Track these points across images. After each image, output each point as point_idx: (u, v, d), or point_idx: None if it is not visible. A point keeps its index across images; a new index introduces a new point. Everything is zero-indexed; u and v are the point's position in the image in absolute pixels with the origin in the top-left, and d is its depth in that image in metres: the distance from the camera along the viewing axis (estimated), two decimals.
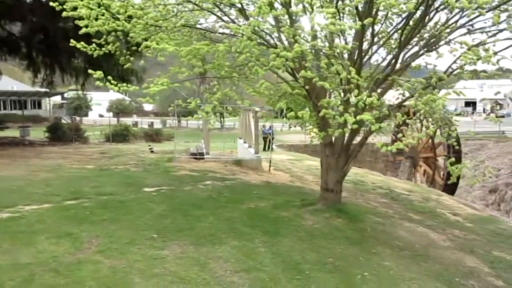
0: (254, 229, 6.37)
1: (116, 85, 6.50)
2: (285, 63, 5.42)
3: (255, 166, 12.84)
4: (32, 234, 5.62)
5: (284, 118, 7.49)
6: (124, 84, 6.60)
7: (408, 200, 10.87)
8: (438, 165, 19.40)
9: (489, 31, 6.20)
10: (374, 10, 6.59)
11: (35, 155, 13.92)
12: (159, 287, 4.43)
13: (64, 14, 6.71)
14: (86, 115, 56.80)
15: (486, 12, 5.65)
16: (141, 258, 5.06)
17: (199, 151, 14.50)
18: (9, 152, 14.51)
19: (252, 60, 5.94)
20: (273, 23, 6.93)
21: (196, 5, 7.05)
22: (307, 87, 6.68)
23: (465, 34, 6.49)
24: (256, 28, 5.74)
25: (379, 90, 6.82)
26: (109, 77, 6.45)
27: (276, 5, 6.83)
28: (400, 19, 7.03)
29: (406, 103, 7.05)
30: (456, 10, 6.17)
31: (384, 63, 7.38)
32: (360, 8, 6.27)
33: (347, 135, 7.45)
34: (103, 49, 7.38)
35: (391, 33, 7.25)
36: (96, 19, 6.78)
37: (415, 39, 7.06)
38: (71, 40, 7.11)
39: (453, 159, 7.08)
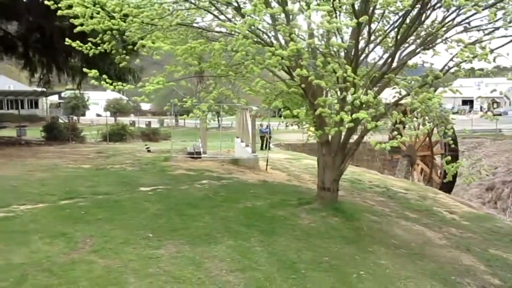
0: (250, 228, 6.34)
1: (111, 84, 6.48)
2: (280, 62, 5.39)
3: (252, 165, 12.82)
4: (26, 234, 5.58)
5: (281, 117, 7.48)
6: (120, 83, 6.56)
7: (405, 199, 10.87)
8: (435, 163, 19.42)
9: (486, 29, 6.20)
10: (371, 8, 6.58)
11: (31, 155, 13.87)
12: (153, 287, 4.40)
13: (59, 12, 6.66)
14: (84, 114, 56.62)
15: (483, 9, 5.64)
16: (136, 257, 5.03)
17: (196, 150, 14.45)
18: (5, 152, 14.44)
19: (248, 59, 5.92)
20: (270, 21, 6.91)
21: (192, 3, 7.03)
22: (303, 85, 6.66)
23: (461, 32, 6.49)
24: (252, 26, 5.72)
25: (375, 89, 6.82)
26: (104, 76, 6.43)
27: (273, 4, 6.83)
28: (397, 17, 7.03)
29: (403, 101, 7.03)
30: (453, 8, 6.17)
31: (381, 62, 7.37)
32: (356, 7, 6.26)
33: (343, 133, 7.43)
34: (99, 48, 7.33)
35: (387, 31, 7.24)
36: (91, 18, 6.75)
37: (412, 37, 7.05)
38: (67, 39, 7.07)
39: (449, 157, 7.07)
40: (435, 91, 6.14)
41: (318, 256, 5.60)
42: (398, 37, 6.66)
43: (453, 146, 10.71)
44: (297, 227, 6.63)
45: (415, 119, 9.25)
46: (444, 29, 6.52)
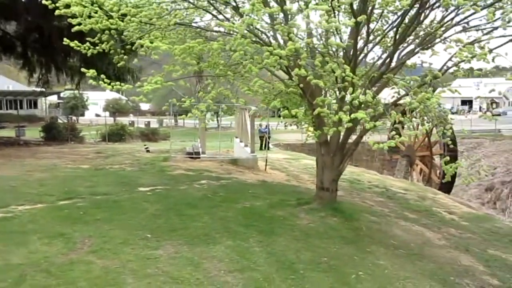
0: (249, 229, 6.33)
1: (109, 84, 6.46)
2: (279, 61, 5.38)
3: (251, 165, 12.81)
4: (24, 235, 5.57)
5: (281, 117, 7.46)
6: (117, 83, 6.54)
7: (404, 199, 10.86)
8: (434, 163, 19.42)
9: (484, 29, 6.20)
10: (370, 8, 6.57)
11: (30, 155, 13.84)
12: (151, 287, 4.39)
13: (57, 12, 6.65)
14: (83, 114, 56.53)
15: (481, 9, 5.64)
16: (134, 258, 5.01)
17: (195, 150, 14.45)
18: (4, 152, 14.41)
19: (247, 58, 5.91)
20: (268, 21, 6.90)
21: (191, 3, 7.01)
22: (301, 85, 6.65)
23: (460, 31, 6.48)
24: (250, 26, 5.71)
25: (374, 88, 6.80)
26: (102, 76, 6.41)
27: (272, 3, 6.81)
28: (395, 17, 7.02)
29: (401, 101, 7.03)
30: (452, 8, 6.17)
31: (380, 61, 7.36)
32: (355, 6, 6.25)
33: (342, 133, 7.43)
34: (97, 48, 7.32)
35: (386, 31, 7.23)
36: (89, 17, 6.73)
37: (411, 37, 7.04)
38: (65, 39, 7.05)
39: (447, 158, 7.06)
40: (434, 91, 6.13)
41: (317, 256, 5.59)
42: (397, 36, 6.65)
43: (452, 146, 10.69)
44: (296, 227, 6.62)
45: (414, 119, 9.25)
46: (442, 29, 6.52)
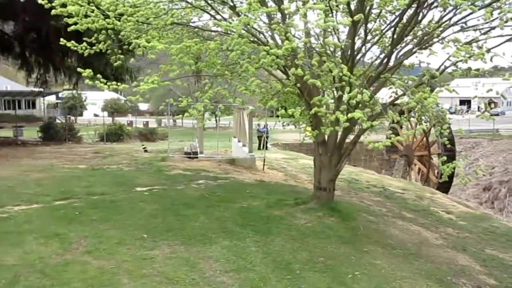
0: (246, 229, 6.31)
1: (105, 84, 6.43)
2: (276, 61, 5.36)
3: (249, 165, 12.80)
4: (20, 235, 5.54)
5: (279, 117, 7.44)
6: (114, 83, 6.50)
7: (401, 199, 10.86)
8: (432, 163, 19.43)
9: (482, 29, 6.19)
10: (368, 7, 6.56)
11: (27, 155, 13.80)
12: None
13: (53, 12, 6.61)
14: (81, 114, 56.49)
15: (479, 9, 5.63)
16: (130, 258, 4.99)
17: (193, 150, 14.42)
18: (1, 152, 14.36)
19: (244, 58, 5.89)
20: (266, 20, 6.88)
21: (188, 2, 6.99)
22: (298, 85, 6.63)
23: (458, 31, 6.47)
24: (247, 25, 5.69)
25: (372, 88, 6.80)
26: (99, 76, 6.38)
27: (270, 3, 6.79)
28: (393, 16, 7.00)
29: (399, 101, 7.02)
30: (449, 8, 6.16)
31: (377, 61, 7.35)
32: (352, 6, 6.22)
33: (340, 133, 7.41)
34: (94, 48, 7.29)
35: (384, 31, 7.22)
36: (86, 16, 6.70)
37: (409, 37, 7.03)
38: (61, 39, 7.02)
39: (444, 157, 7.05)
40: (432, 91, 6.12)
41: (314, 256, 5.57)
42: (395, 36, 6.63)
43: (449, 146, 10.70)
44: (293, 227, 6.60)
45: (412, 118, 9.23)
46: (440, 28, 6.51)
